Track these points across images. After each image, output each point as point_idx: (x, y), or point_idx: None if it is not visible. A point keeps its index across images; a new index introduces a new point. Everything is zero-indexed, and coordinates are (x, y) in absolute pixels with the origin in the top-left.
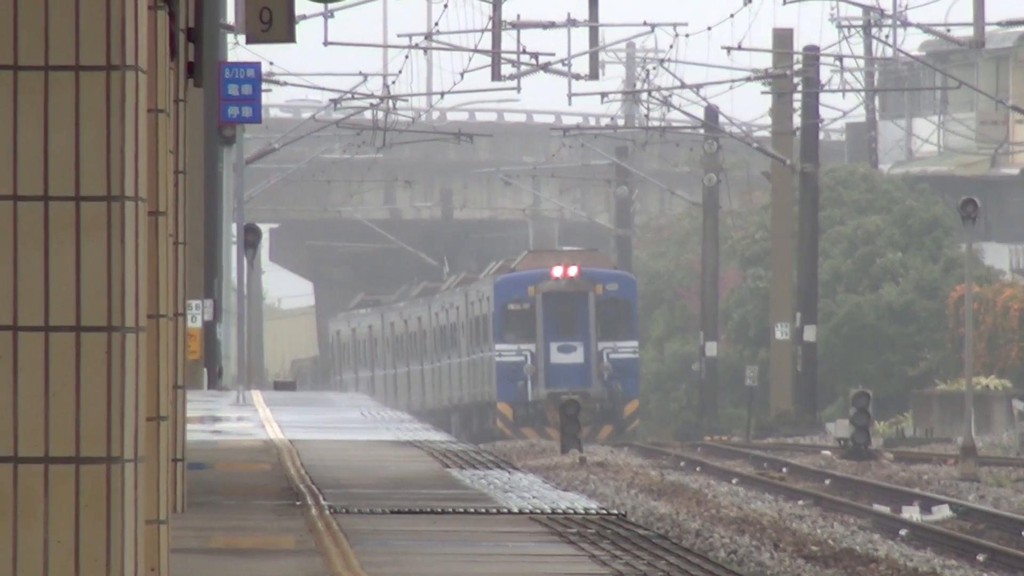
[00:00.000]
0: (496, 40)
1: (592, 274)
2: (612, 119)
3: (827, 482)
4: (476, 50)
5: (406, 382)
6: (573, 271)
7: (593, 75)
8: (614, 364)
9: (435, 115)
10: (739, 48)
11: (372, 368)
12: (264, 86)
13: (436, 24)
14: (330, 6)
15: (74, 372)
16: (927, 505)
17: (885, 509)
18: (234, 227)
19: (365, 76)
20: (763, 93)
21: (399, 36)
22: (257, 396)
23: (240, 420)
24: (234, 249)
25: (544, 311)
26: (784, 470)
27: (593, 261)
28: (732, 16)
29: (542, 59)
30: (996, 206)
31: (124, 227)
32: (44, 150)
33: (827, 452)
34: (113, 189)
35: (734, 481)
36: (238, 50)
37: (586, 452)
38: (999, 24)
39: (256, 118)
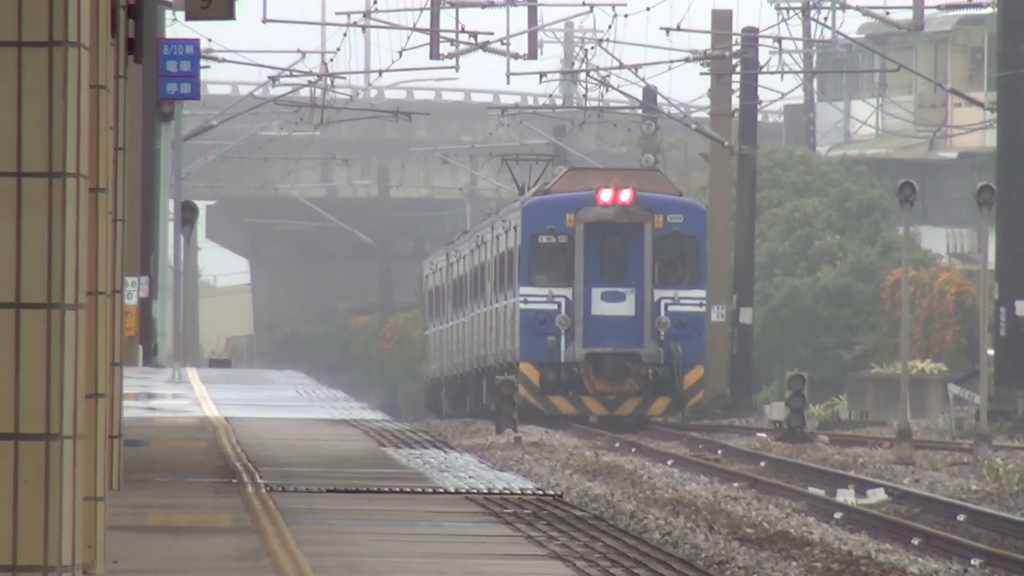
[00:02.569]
0: (435, 19)
1: (651, 200)
2: (550, 99)
3: (762, 464)
4: (414, 28)
5: (452, 337)
6: (626, 195)
7: (532, 55)
8: (674, 319)
9: (373, 93)
10: (678, 29)
11: (441, 319)
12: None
13: (375, 2)
14: None
15: (13, 349)
16: (862, 488)
17: (820, 492)
18: (171, 204)
19: (303, 54)
20: (702, 74)
21: (337, 14)
22: (192, 373)
23: (176, 397)
24: (171, 226)
25: (586, 246)
26: (719, 452)
27: (651, 184)
28: None
29: (481, 38)
30: (934, 190)
31: (65, 204)
32: None
33: (762, 434)
34: (55, 166)
35: (669, 463)
36: (176, 27)
37: (521, 432)
38: (938, 7)
39: (194, 95)
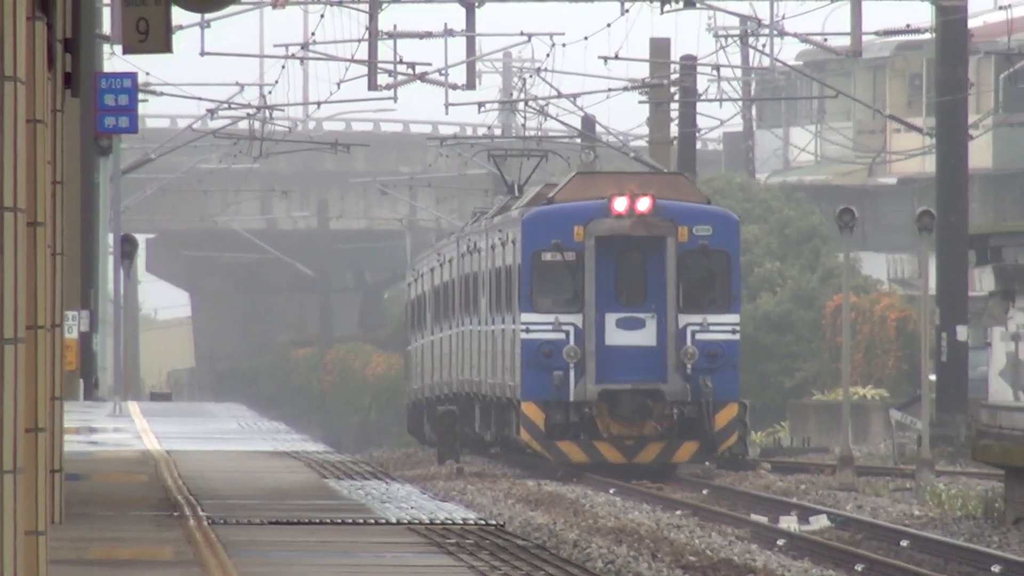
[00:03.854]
0: (372, 50)
1: (674, 210)
2: (489, 128)
3: (705, 492)
4: (353, 60)
5: (438, 352)
6: (645, 204)
7: (470, 85)
8: (703, 349)
9: (311, 125)
10: (616, 58)
11: (425, 332)
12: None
13: (312, 34)
14: (206, 16)
15: None
16: (805, 515)
17: (763, 519)
18: (110, 237)
19: (242, 86)
20: (640, 103)
21: (275, 46)
22: (134, 407)
23: (117, 431)
24: (110, 260)
25: (598, 264)
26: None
27: (674, 190)
28: (609, 26)
29: (419, 69)
30: (873, 215)
31: (3, 238)
32: None
33: (705, 462)
34: None
35: (611, 491)
36: (114, 60)
37: (463, 462)
38: (876, 34)
39: (133, 128)
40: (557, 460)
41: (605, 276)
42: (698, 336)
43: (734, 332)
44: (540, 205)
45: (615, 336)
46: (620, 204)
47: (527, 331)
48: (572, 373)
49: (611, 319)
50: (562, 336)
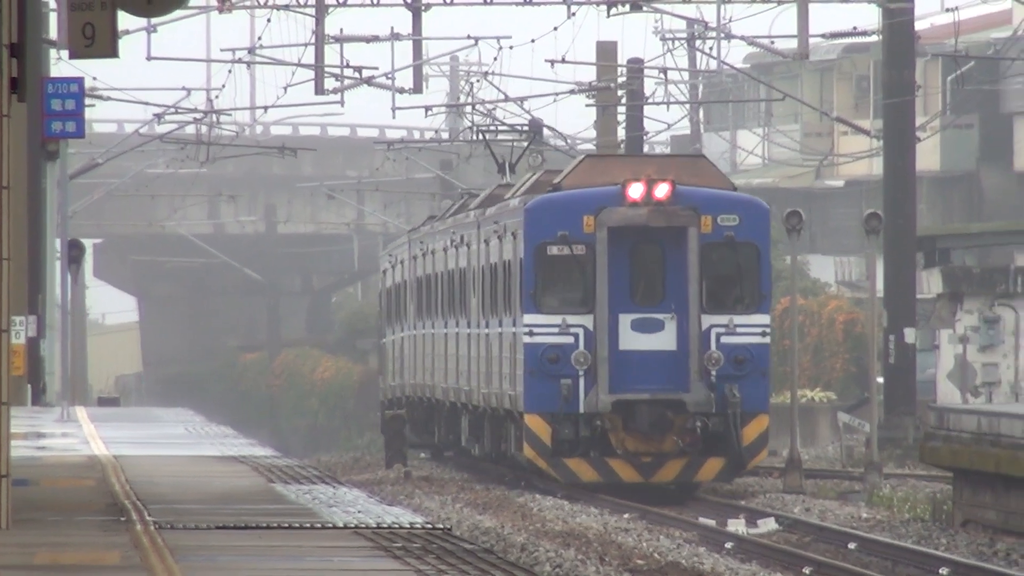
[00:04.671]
0: (319, 54)
1: (696, 197)
2: (436, 132)
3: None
4: (299, 64)
5: (419, 351)
6: (663, 190)
7: (417, 89)
8: (729, 353)
9: (259, 129)
10: (563, 61)
11: (403, 326)
12: (87, 101)
13: (259, 38)
14: (153, 21)
15: None
16: (753, 518)
17: (711, 522)
18: (58, 242)
19: (188, 91)
20: (587, 106)
21: (222, 51)
22: (81, 412)
23: (64, 436)
24: (58, 265)
25: (611, 259)
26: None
27: (696, 175)
28: (556, 29)
29: (365, 73)
30: (821, 218)
31: None
32: None
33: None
34: None
35: (559, 495)
36: (61, 65)
37: (410, 466)
38: (823, 36)
39: (80, 133)
40: (565, 480)
41: (619, 272)
42: (724, 339)
43: (764, 335)
44: (544, 192)
45: (630, 340)
46: (635, 191)
47: (530, 334)
48: (582, 382)
49: (625, 320)
50: (570, 340)
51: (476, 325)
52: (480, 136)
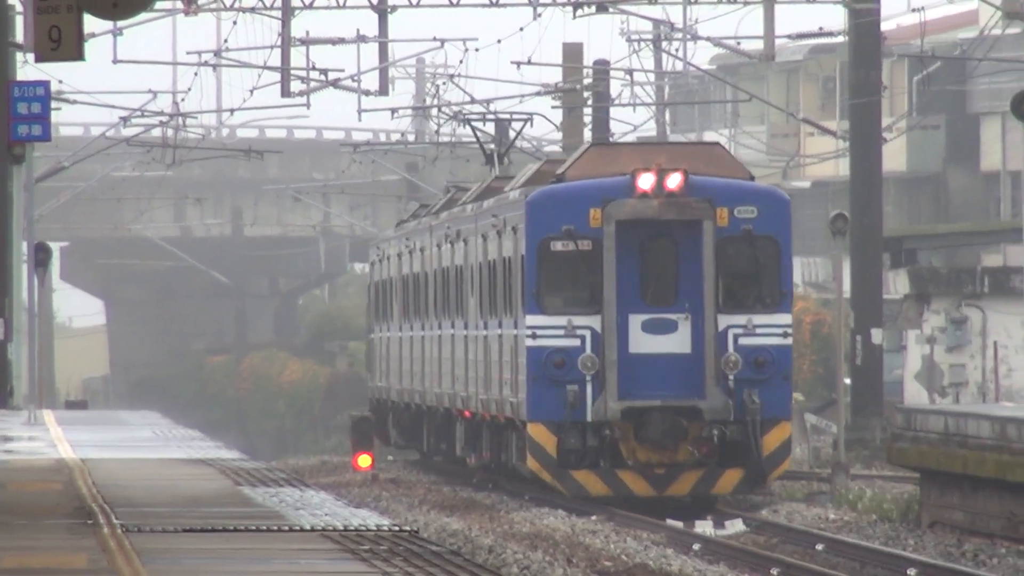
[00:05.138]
0: (285, 57)
1: (711, 187)
2: (402, 135)
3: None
4: (265, 67)
5: (408, 353)
6: (676, 181)
7: (383, 91)
8: (747, 356)
9: (225, 132)
10: (529, 63)
11: (392, 324)
12: (54, 104)
13: (225, 41)
14: (119, 24)
15: None
16: (720, 519)
17: (678, 524)
18: (24, 246)
19: (155, 94)
20: (553, 107)
21: (188, 53)
22: (48, 415)
23: (31, 439)
24: (24, 268)
25: (620, 255)
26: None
27: (711, 164)
28: (522, 30)
29: (331, 75)
30: None
31: None
32: None
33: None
34: None
35: (527, 497)
36: (27, 69)
37: (378, 469)
38: (789, 37)
39: (46, 136)
40: (572, 494)
41: (628, 269)
42: (742, 341)
43: (785, 336)
44: (546, 184)
45: (641, 342)
46: (646, 181)
47: (533, 337)
48: (589, 388)
49: (636, 321)
50: (576, 343)
51: (474, 327)
52: (465, 125)
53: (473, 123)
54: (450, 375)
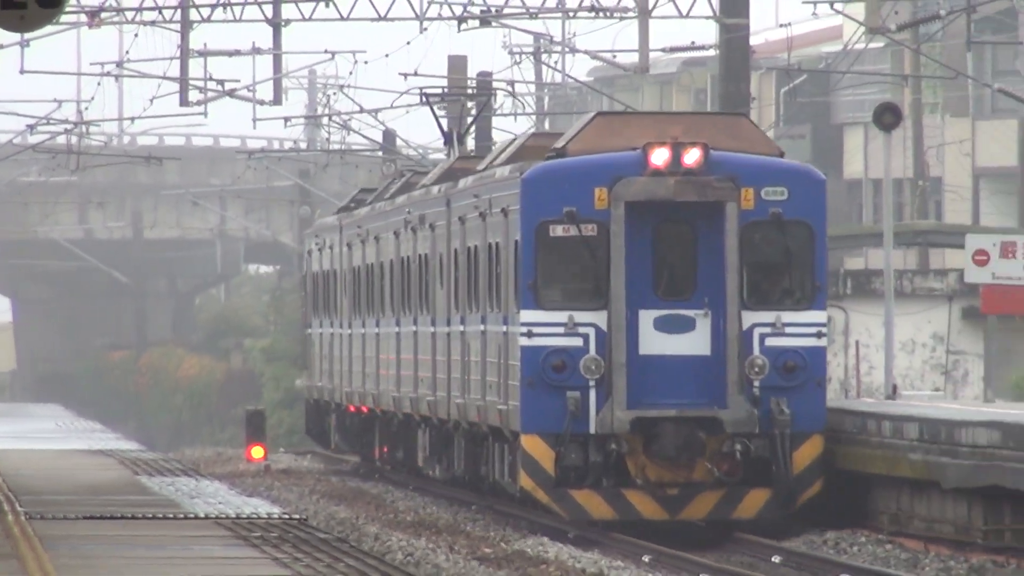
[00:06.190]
0: (184, 67)
1: (735, 164)
2: (295, 142)
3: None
4: (165, 77)
5: (356, 351)
6: (694, 156)
7: (277, 101)
8: (776, 359)
9: (126, 139)
10: (415, 74)
11: (334, 319)
12: None
13: (127, 52)
14: (26, 36)
15: None
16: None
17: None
18: None
19: (60, 102)
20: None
21: (92, 64)
22: None
23: None
24: None
25: (630, 242)
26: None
27: (735, 137)
28: (409, 43)
29: (228, 85)
30: None
31: None
32: None
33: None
34: None
35: (411, 488)
36: None
37: (270, 460)
38: (662, 51)
39: None
40: (572, 516)
41: (639, 258)
42: (769, 342)
43: (819, 336)
44: (542, 160)
45: (654, 342)
46: (659, 156)
47: (529, 335)
48: (593, 394)
49: (647, 318)
50: (579, 342)
51: (444, 323)
52: (424, 100)
53: (432, 103)
54: (412, 377)
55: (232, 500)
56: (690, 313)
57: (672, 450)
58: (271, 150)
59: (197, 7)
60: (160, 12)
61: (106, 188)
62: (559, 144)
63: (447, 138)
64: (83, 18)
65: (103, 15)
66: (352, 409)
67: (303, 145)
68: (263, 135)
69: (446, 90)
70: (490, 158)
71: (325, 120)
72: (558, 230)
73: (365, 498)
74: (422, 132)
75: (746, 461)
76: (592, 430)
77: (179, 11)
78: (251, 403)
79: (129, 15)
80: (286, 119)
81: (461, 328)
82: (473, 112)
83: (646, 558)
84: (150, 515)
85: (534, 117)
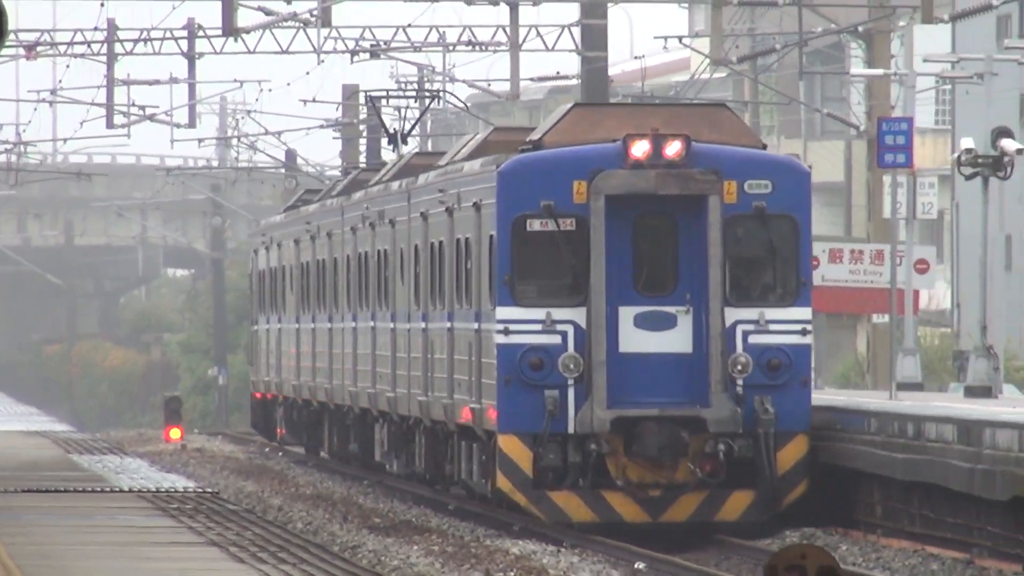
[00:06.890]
0: (110, 94)
1: (717, 156)
2: (208, 161)
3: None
4: (93, 103)
5: (304, 347)
6: (675, 148)
7: (191, 124)
8: (759, 356)
9: (60, 158)
10: (314, 100)
11: (280, 316)
12: None
13: (60, 81)
14: None
15: None
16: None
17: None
18: None
19: (0, 125)
20: (334, 138)
21: (29, 92)
22: None
23: None
24: None
25: (610, 236)
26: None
27: (717, 129)
28: (308, 73)
29: (148, 110)
30: None
31: None
32: None
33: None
34: None
35: (311, 464)
36: None
37: (186, 440)
38: (532, 80)
39: None
40: (550, 518)
41: (619, 253)
42: (753, 339)
43: (804, 333)
44: (519, 154)
45: (634, 339)
46: (639, 149)
47: (505, 332)
48: (572, 393)
49: (628, 314)
50: (557, 340)
51: (405, 319)
52: (371, 103)
53: (376, 103)
54: (369, 373)
55: (152, 476)
56: (671, 310)
57: (654, 450)
58: (187, 167)
59: (121, 41)
60: (89, 46)
61: (42, 201)
62: (535, 136)
63: (391, 138)
64: (21, 51)
65: (39, 48)
66: (301, 402)
67: (215, 163)
68: (180, 154)
69: (391, 92)
70: (451, 153)
71: (234, 141)
72: (535, 224)
73: (270, 474)
74: (321, 152)
75: (729, 462)
76: (571, 430)
77: (106, 45)
78: (169, 390)
79: (62, 48)
80: (200, 140)
81: (423, 325)
82: (415, 114)
83: (516, 527)
84: (80, 488)
85: (418, 138)
